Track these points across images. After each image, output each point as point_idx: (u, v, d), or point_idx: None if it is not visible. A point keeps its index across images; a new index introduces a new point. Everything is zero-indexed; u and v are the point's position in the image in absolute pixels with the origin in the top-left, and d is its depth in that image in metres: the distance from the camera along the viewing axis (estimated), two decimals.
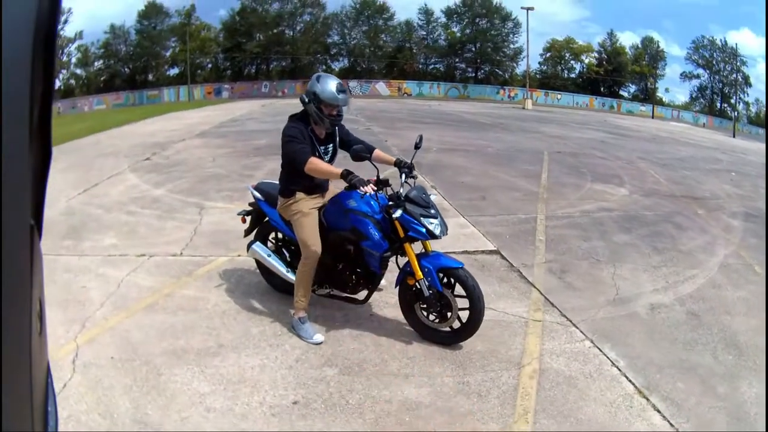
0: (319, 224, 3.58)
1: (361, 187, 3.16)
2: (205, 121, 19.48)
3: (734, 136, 35.79)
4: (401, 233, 3.38)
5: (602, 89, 58.14)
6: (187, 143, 13.26)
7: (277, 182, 3.78)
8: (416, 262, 3.41)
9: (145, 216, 6.54)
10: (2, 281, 0.54)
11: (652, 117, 48.67)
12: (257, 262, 4.26)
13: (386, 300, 4.13)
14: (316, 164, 3.30)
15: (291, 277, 3.83)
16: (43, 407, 0.73)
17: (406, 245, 3.43)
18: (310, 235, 3.48)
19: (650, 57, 59.05)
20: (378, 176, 3.46)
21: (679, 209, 8.46)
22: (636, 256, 5.92)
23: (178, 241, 5.55)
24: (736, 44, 55.46)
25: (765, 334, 3.95)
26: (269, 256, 4.02)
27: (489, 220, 6.97)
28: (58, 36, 0.63)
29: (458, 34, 59.17)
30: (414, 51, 59.48)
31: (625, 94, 60.16)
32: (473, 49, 59.15)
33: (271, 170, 9.06)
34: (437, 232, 3.36)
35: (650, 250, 6.13)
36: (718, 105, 59.64)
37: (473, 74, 59.57)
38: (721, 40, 61.28)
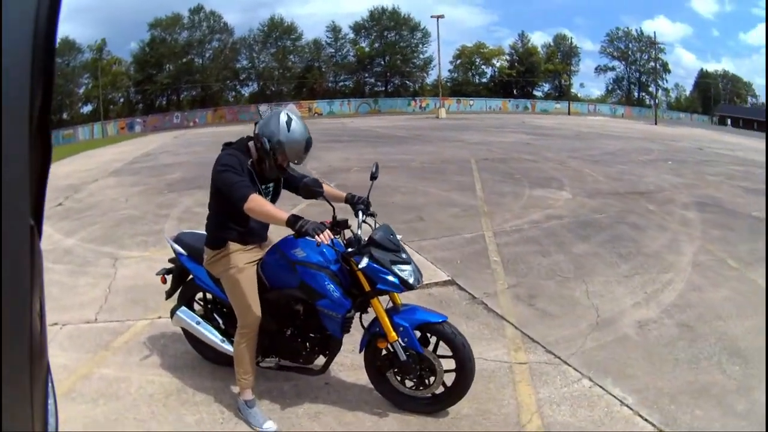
0: (258, 282, 3.19)
1: (317, 236, 2.70)
2: (119, 158, 19.79)
3: (656, 124, 39.20)
4: (367, 287, 3.02)
5: (515, 91, 64.01)
6: (101, 183, 13.51)
7: (202, 231, 3.34)
8: (387, 321, 3.06)
9: (57, 272, 6.22)
10: (2, 281, 0.60)
11: (569, 113, 53.34)
12: (184, 330, 3.79)
13: (341, 361, 3.71)
14: (258, 203, 2.84)
15: (227, 348, 3.45)
16: (43, 407, 0.75)
17: (374, 300, 3.07)
18: (246, 298, 3.11)
19: (563, 54, 66.23)
20: (334, 217, 3.07)
21: (629, 207, 8.87)
22: (603, 266, 6.00)
23: (93, 303, 5.25)
24: (654, 33, 62.03)
25: (765, 335, 4.06)
26: (198, 323, 3.59)
27: (433, 244, 6.81)
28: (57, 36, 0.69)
29: (367, 49, 64.24)
30: (323, 70, 64.11)
31: (539, 94, 66.61)
32: (382, 62, 64.43)
33: (186, 208, 9.40)
34: (411, 280, 3.02)
35: (616, 258, 6.26)
36: (636, 94, 66.55)
37: (383, 88, 64.72)
38: (636, 30, 68.81)
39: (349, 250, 3.02)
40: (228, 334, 3.52)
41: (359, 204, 3.32)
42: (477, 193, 10.09)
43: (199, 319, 3.60)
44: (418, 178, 11.82)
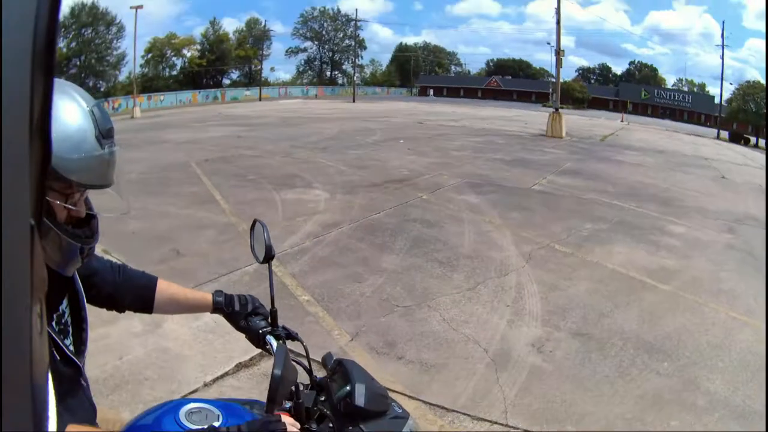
0: None
1: None
2: None
3: (354, 101, 42.26)
4: None
5: (205, 81, 66.03)
6: None
7: None
8: None
9: None
10: (2, 281, 0.61)
11: (260, 99, 56.61)
12: None
13: None
14: None
15: None
16: (43, 407, 0.71)
17: None
18: None
19: (254, 39, 69.49)
20: (313, 379, 1.86)
21: (401, 200, 8.95)
22: (435, 282, 5.70)
23: None
24: (357, 9, 68.31)
25: (765, 336, 4.40)
26: None
27: (211, 288, 5.54)
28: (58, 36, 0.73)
29: (65, 50, 60.99)
30: None
31: (228, 82, 69.19)
32: (78, 63, 62.79)
33: None
34: None
35: (439, 268, 6.06)
36: (328, 74, 71.87)
37: None
38: (332, 9, 74.14)
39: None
40: None
41: (255, 318, 1.97)
42: (222, 206, 8.94)
43: None
44: (144, 194, 10.12)
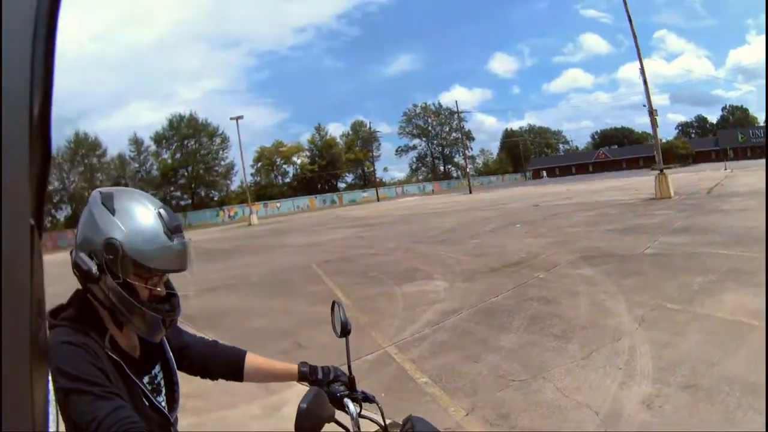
0: None
1: None
2: None
3: (471, 192, 42.89)
4: None
5: (320, 186, 68.55)
6: None
7: None
8: None
9: None
10: (2, 281, 0.63)
11: (378, 200, 57.01)
12: None
13: None
14: None
15: None
16: (43, 407, 0.75)
17: None
18: None
19: (363, 141, 70.85)
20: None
21: (519, 281, 9.12)
22: (550, 354, 5.84)
23: None
24: (456, 101, 70.48)
25: (765, 339, 4.45)
26: None
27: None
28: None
29: (169, 161, 66.59)
30: (129, 186, 65.30)
31: (343, 185, 72.13)
32: (186, 173, 67.19)
33: None
34: None
35: (554, 341, 6.21)
36: (441, 168, 73.23)
37: (190, 200, 66.97)
38: (434, 104, 76.79)
39: None
40: None
41: (335, 384, 2.17)
42: (344, 302, 9.50)
43: None
44: (267, 295, 11.20)
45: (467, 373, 5.70)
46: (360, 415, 2.07)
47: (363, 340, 7.22)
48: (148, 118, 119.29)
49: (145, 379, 1.89)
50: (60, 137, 64.56)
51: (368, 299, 9.59)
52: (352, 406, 2.06)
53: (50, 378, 1.59)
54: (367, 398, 2.14)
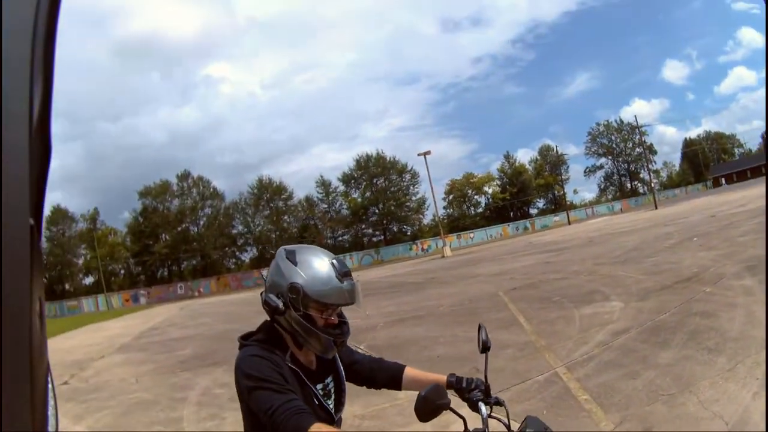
0: None
1: None
2: (125, 332, 20.38)
3: (656, 208, 40.68)
4: None
5: (512, 213, 67.72)
6: (108, 360, 13.87)
7: None
8: None
9: None
10: (2, 281, 0.65)
11: (569, 223, 55.37)
12: None
13: None
14: None
15: None
16: (43, 407, 0.80)
17: None
18: None
19: (551, 165, 70.07)
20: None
21: (687, 297, 9.17)
22: (701, 368, 6.11)
23: None
24: (636, 116, 67.42)
25: (765, 334, 4.38)
26: None
27: (504, 396, 6.85)
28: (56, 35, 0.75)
29: (359, 200, 68.58)
30: (319, 227, 68.59)
31: (535, 211, 70.28)
32: (377, 210, 68.49)
33: (205, 389, 9.17)
34: None
35: (707, 355, 6.44)
36: (629, 185, 69.84)
37: (382, 236, 68.05)
38: (615, 120, 74.18)
39: None
40: None
41: (474, 391, 2.51)
42: (524, 327, 10.14)
43: None
44: (452, 324, 11.82)
45: (624, 389, 6.12)
46: (490, 416, 2.48)
47: (537, 362, 7.88)
48: (333, 160, 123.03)
49: (318, 386, 2.38)
50: (241, 183, 69.30)
51: (547, 323, 10.10)
52: (484, 408, 2.46)
53: (234, 380, 2.14)
54: (499, 402, 2.52)
